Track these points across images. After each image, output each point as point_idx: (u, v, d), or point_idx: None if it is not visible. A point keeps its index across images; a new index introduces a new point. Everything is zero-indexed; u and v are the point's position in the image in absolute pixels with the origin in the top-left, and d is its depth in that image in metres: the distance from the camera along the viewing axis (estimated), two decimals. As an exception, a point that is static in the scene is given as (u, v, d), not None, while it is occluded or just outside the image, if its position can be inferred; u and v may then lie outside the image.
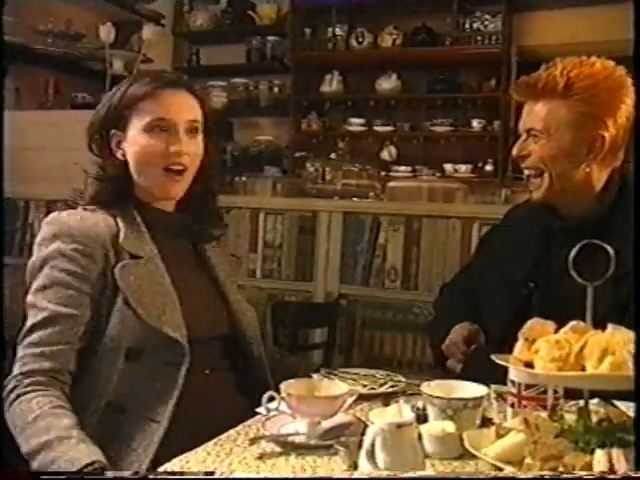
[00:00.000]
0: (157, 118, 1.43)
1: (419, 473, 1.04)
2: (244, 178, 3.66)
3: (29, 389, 1.29)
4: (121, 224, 1.44)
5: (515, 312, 1.63)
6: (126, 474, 1.21)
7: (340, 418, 1.29)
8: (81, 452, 1.19)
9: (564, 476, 0.98)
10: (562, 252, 1.61)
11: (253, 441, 1.21)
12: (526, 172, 1.65)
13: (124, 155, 1.48)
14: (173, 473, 1.11)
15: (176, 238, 1.54)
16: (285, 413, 1.27)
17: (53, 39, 3.96)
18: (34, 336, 1.33)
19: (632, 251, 1.55)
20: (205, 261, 1.59)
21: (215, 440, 1.23)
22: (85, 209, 1.45)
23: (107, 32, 3.87)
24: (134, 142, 1.46)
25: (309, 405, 1.24)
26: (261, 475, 1.12)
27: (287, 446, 1.20)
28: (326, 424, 1.26)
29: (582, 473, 0.98)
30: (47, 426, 1.24)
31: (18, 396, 1.29)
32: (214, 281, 1.58)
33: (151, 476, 1.13)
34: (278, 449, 1.20)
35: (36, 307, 1.35)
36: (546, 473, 0.99)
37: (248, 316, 1.59)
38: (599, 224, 1.60)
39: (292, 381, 1.29)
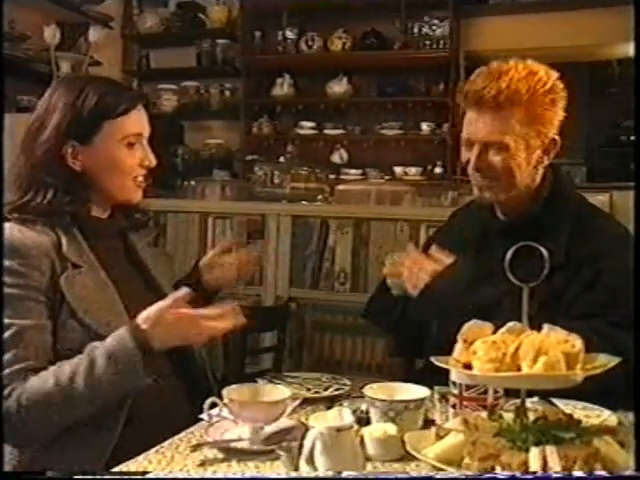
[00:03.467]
0: (136, 134, 1.48)
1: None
2: (193, 182, 3.63)
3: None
4: (60, 233, 1.43)
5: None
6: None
7: (283, 423, 1.29)
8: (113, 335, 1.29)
9: (577, 475, 0.99)
10: (501, 251, 1.66)
11: (195, 448, 1.21)
12: (482, 180, 1.64)
13: (81, 166, 1.45)
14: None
15: (110, 243, 1.54)
16: (228, 419, 1.27)
17: (-2, 41, 3.88)
18: (8, 356, 1.30)
19: (564, 244, 1.60)
20: (139, 263, 1.59)
21: (157, 448, 1.22)
22: (21, 220, 1.41)
23: (52, 33, 3.82)
24: (106, 153, 1.45)
25: (251, 410, 1.24)
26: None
27: (230, 452, 1.20)
28: (269, 429, 1.26)
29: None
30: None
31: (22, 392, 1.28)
32: (151, 283, 1.58)
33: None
34: (220, 455, 1.19)
35: None
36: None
37: None
38: (533, 221, 1.64)
39: (234, 386, 1.29)
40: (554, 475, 0.98)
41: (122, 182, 1.48)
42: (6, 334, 1.31)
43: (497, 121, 1.57)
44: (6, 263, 1.35)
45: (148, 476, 1.10)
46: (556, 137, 1.62)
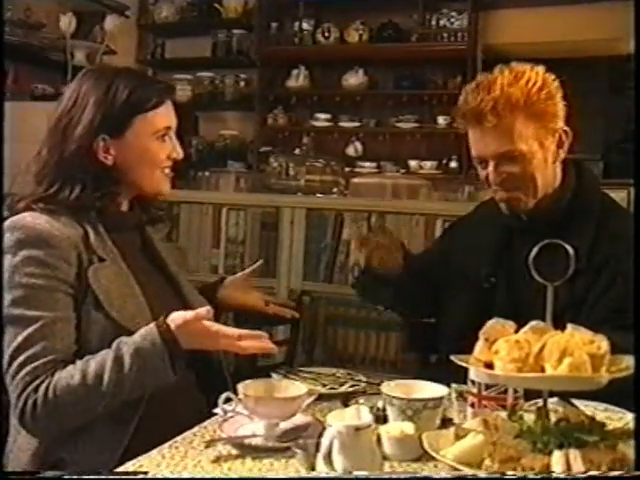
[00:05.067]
0: (166, 127, 1.48)
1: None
2: (207, 173, 3.61)
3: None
4: (86, 226, 1.42)
5: (476, 308, 1.64)
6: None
7: (299, 419, 1.27)
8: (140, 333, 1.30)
9: (576, 475, 0.97)
10: (523, 249, 1.63)
11: (209, 444, 1.19)
12: (507, 193, 1.63)
13: (110, 161, 1.44)
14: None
15: (129, 236, 1.53)
16: (242, 414, 1.25)
17: (11, 28, 3.86)
18: (36, 348, 1.28)
19: (587, 248, 1.57)
20: (156, 256, 1.59)
21: (170, 442, 1.21)
22: (47, 211, 1.39)
23: (68, 22, 3.81)
24: (139, 146, 1.45)
25: (267, 406, 1.22)
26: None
27: (244, 448, 1.18)
28: (284, 425, 1.24)
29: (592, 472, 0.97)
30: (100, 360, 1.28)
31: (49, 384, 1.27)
32: (167, 276, 1.58)
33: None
34: (235, 452, 1.18)
35: (25, 318, 1.30)
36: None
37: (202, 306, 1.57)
38: (557, 221, 1.62)
39: (250, 382, 1.27)
40: (554, 475, 0.96)
41: (152, 174, 1.48)
42: (35, 326, 1.29)
43: (503, 131, 1.55)
44: (34, 253, 1.33)
45: (148, 476, 1.08)
46: (566, 128, 1.60)
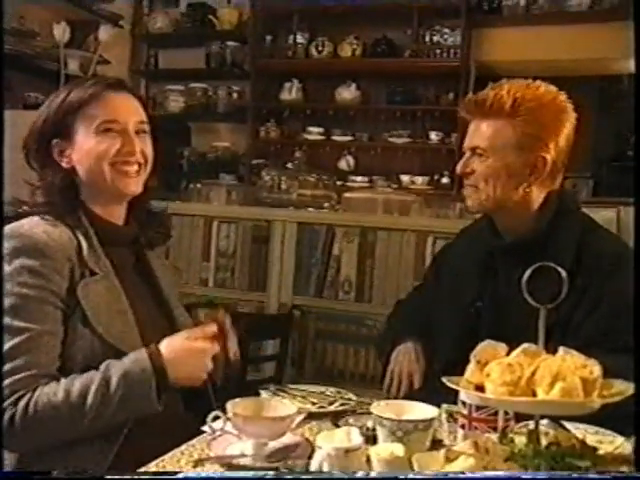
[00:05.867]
0: (107, 120, 1.42)
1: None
2: (199, 185, 3.60)
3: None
4: (80, 237, 1.40)
5: (463, 332, 1.64)
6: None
7: (288, 438, 1.25)
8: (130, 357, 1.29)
9: (574, 476, 0.96)
10: (505, 272, 1.64)
11: (197, 463, 1.17)
12: (466, 185, 1.66)
13: (69, 163, 1.43)
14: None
15: (122, 251, 1.51)
16: (231, 433, 1.23)
17: (5, 36, 3.85)
18: (19, 361, 1.26)
19: (569, 269, 1.57)
20: (148, 273, 1.56)
21: (158, 461, 1.19)
22: (44, 219, 1.38)
23: (62, 31, 3.80)
24: (84, 146, 1.42)
25: (256, 426, 1.20)
26: None
27: (232, 468, 1.17)
28: (273, 445, 1.22)
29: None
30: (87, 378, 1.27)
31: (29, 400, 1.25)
32: (158, 295, 1.55)
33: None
34: (222, 471, 1.16)
35: (12, 328, 1.28)
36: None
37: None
38: (537, 243, 1.62)
39: (239, 400, 1.26)
40: (552, 474, 0.95)
41: (100, 169, 1.41)
42: (21, 337, 1.27)
43: (483, 128, 1.60)
44: (28, 262, 1.31)
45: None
46: (546, 155, 1.58)
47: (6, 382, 1.26)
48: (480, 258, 1.73)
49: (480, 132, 1.61)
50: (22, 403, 1.25)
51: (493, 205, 1.64)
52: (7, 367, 1.26)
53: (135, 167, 1.44)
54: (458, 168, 1.65)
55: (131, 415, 1.29)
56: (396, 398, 1.69)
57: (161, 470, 1.16)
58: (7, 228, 1.36)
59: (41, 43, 4.09)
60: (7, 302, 1.29)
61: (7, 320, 1.29)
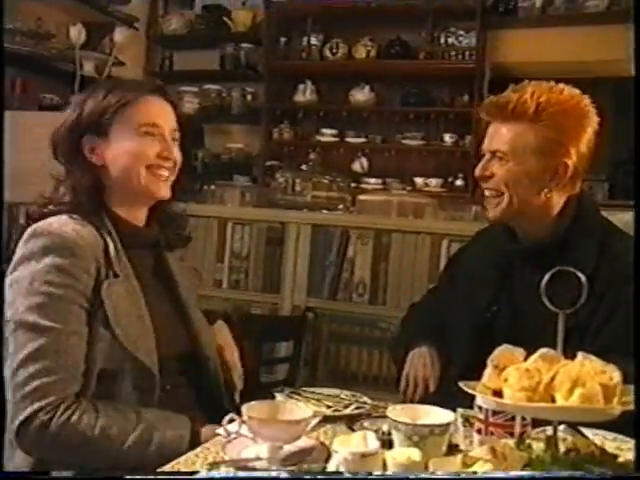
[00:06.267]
0: (149, 123, 1.44)
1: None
2: (213, 187, 3.61)
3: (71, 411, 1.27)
4: (106, 237, 1.40)
5: (479, 336, 1.63)
6: None
7: (303, 442, 1.25)
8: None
9: (576, 475, 0.95)
10: (522, 276, 1.62)
11: (212, 466, 1.17)
12: (486, 192, 1.65)
13: (99, 161, 1.44)
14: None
15: (142, 253, 1.51)
16: (246, 436, 1.23)
17: (22, 38, 3.87)
18: (47, 362, 1.27)
19: (588, 273, 1.55)
20: (168, 276, 1.56)
21: (173, 463, 1.19)
22: (72, 218, 1.39)
23: (78, 33, 3.81)
24: (122, 146, 1.43)
25: (271, 429, 1.20)
26: None
27: (247, 471, 1.16)
28: (288, 448, 1.22)
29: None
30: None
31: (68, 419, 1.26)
32: (176, 297, 1.55)
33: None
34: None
35: (39, 327, 1.28)
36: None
37: (207, 334, 1.57)
38: (556, 248, 1.60)
39: (254, 403, 1.25)
40: (553, 474, 0.94)
41: (137, 171, 1.43)
42: (48, 337, 1.27)
43: (504, 132, 1.58)
44: (58, 261, 1.31)
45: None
46: (567, 161, 1.56)
47: (34, 384, 1.25)
48: (497, 262, 1.71)
49: (501, 135, 1.59)
50: (58, 418, 1.25)
51: (515, 213, 1.62)
52: (34, 368, 1.26)
53: (168, 172, 1.46)
54: (477, 171, 1.64)
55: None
56: (412, 402, 1.68)
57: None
58: (35, 226, 1.36)
59: (57, 45, 4.11)
60: (34, 300, 1.29)
61: (33, 317, 1.28)
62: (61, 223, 1.36)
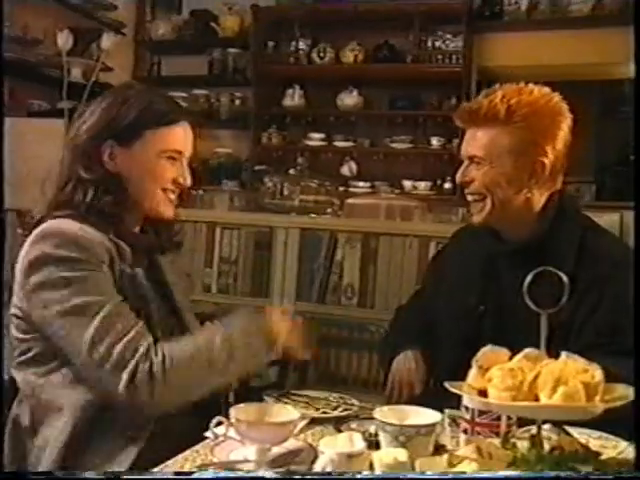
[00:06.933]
0: (175, 150, 1.47)
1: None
2: (201, 191, 3.61)
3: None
4: (114, 239, 1.42)
5: (466, 336, 1.64)
6: None
7: (291, 444, 1.26)
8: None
9: (575, 476, 0.96)
10: (508, 275, 1.64)
11: (200, 468, 1.18)
12: (469, 197, 1.67)
13: (115, 168, 1.45)
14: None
15: (137, 258, 1.51)
16: (234, 439, 1.24)
17: (9, 44, 3.86)
18: (117, 327, 1.31)
19: (569, 271, 1.57)
20: (161, 279, 1.57)
21: (161, 466, 1.20)
22: (76, 220, 1.40)
23: (65, 39, 3.80)
24: (141, 163, 1.45)
25: (259, 431, 1.21)
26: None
27: (235, 473, 1.17)
28: (276, 450, 1.23)
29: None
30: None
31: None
32: (170, 302, 1.57)
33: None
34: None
35: (90, 306, 1.31)
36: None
37: None
38: (539, 247, 1.62)
39: (242, 406, 1.26)
40: (552, 474, 0.95)
41: (153, 191, 1.47)
42: (105, 310, 1.31)
43: (479, 137, 1.60)
44: (72, 254, 1.33)
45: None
46: (544, 160, 1.59)
47: (119, 348, 1.29)
48: (481, 262, 1.73)
49: (476, 140, 1.61)
50: (155, 357, 1.30)
51: (498, 215, 1.64)
52: (110, 337, 1.29)
53: (177, 194, 1.51)
54: (457, 177, 1.66)
55: (243, 373, 1.44)
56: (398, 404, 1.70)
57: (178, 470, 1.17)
58: (42, 228, 1.38)
59: (44, 51, 4.11)
60: (67, 290, 1.31)
61: (80, 300, 1.31)
62: (69, 223, 1.38)
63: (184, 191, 1.52)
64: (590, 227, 1.68)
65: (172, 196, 1.50)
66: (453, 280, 1.78)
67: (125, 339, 1.30)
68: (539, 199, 1.64)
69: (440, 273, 1.87)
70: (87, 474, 1.16)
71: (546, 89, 1.62)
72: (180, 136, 1.48)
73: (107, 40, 4.05)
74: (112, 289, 1.36)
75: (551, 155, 1.59)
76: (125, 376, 1.28)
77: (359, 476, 1.03)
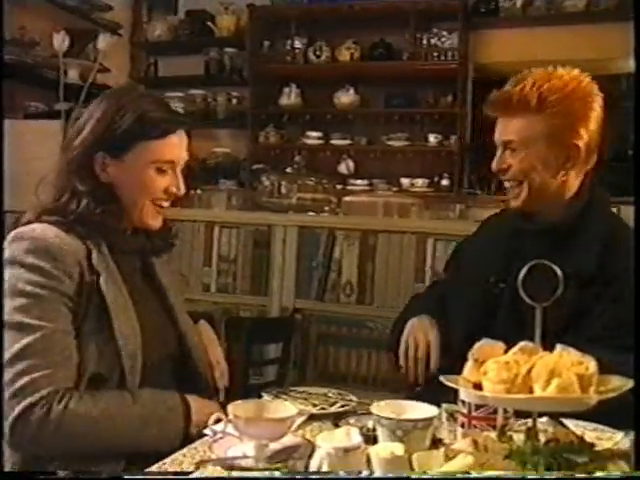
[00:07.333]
0: (167, 161, 1.45)
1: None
2: (199, 191, 3.61)
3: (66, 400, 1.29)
4: (90, 244, 1.41)
5: (483, 312, 1.64)
6: None
7: (289, 440, 1.26)
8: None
9: (577, 476, 0.97)
10: (532, 255, 1.63)
11: (199, 465, 1.18)
12: (506, 184, 1.68)
13: (107, 179, 1.44)
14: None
15: (129, 259, 1.52)
16: (232, 435, 1.24)
17: (6, 46, 3.86)
18: (35, 360, 1.28)
19: (596, 260, 1.58)
20: (154, 280, 1.57)
21: (159, 464, 1.20)
22: (54, 225, 1.39)
23: (61, 40, 3.81)
24: (133, 175, 1.44)
25: (257, 427, 1.21)
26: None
27: (234, 470, 1.17)
28: (274, 446, 1.23)
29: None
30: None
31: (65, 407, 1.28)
32: (163, 301, 1.56)
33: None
34: (224, 473, 1.17)
35: (25, 326, 1.29)
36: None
37: (195, 335, 1.58)
38: (568, 230, 1.63)
39: (240, 402, 1.26)
40: (547, 476, 0.95)
41: (142, 202, 1.45)
42: (34, 336, 1.29)
43: (513, 123, 1.61)
44: (40, 263, 1.33)
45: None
46: (578, 143, 1.59)
47: (24, 380, 1.27)
48: (507, 240, 1.73)
49: (509, 127, 1.62)
50: (60, 406, 1.27)
51: (535, 199, 1.64)
52: (22, 365, 1.27)
53: (168, 203, 1.49)
54: (494, 165, 1.66)
55: (149, 449, 1.33)
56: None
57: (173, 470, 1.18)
58: (17, 231, 1.38)
59: (41, 52, 4.12)
60: (19, 301, 1.31)
61: (19, 317, 1.30)
62: (43, 229, 1.38)
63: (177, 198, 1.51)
64: (616, 218, 1.70)
65: (163, 204, 1.48)
66: (476, 258, 1.77)
67: (34, 374, 1.27)
68: (574, 181, 1.65)
69: (462, 260, 1.86)
70: (89, 474, 1.17)
71: (575, 71, 1.62)
72: (174, 146, 1.46)
73: (103, 41, 4.06)
74: (62, 317, 1.32)
75: (585, 137, 1.59)
76: (17, 410, 1.26)
77: (370, 477, 1.04)
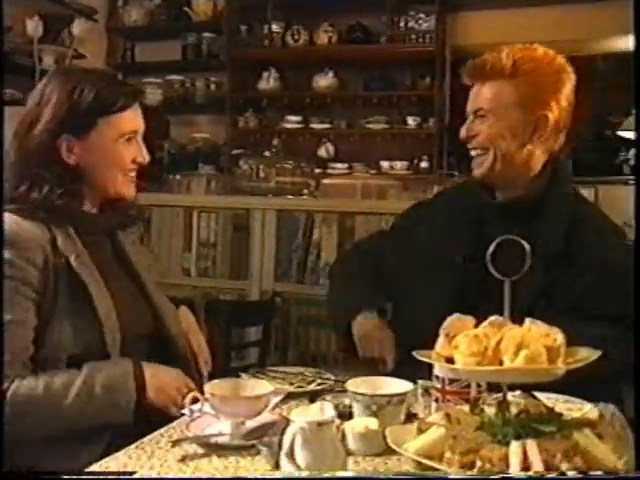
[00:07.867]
0: (132, 130, 1.47)
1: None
2: (178, 176, 3.61)
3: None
4: (54, 229, 1.41)
5: (455, 294, 1.65)
6: None
7: (265, 417, 1.28)
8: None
9: (591, 474, 0.98)
10: (494, 230, 1.65)
11: (175, 443, 1.20)
12: (472, 152, 1.69)
13: (75, 161, 1.44)
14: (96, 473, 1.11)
15: (99, 240, 1.53)
16: (209, 414, 1.26)
17: (-21, 33, 3.83)
18: None
19: (561, 235, 1.61)
20: (125, 258, 1.58)
21: (137, 443, 1.22)
22: (14, 213, 1.39)
23: (35, 26, 3.78)
24: (101, 152, 1.45)
25: (233, 405, 1.23)
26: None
27: (210, 447, 1.19)
28: (250, 424, 1.25)
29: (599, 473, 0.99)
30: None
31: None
32: (136, 278, 1.57)
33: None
34: (201, 450, 1.18)
35: None
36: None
37: (171, 312, 1.59)
38: (531, 205, 1.65)
39: (216, 381, 1.28)
40: (553, 475, 0.97)
41: (115, 177, 1.47)
42: None
43: (484, 91, 1.63)
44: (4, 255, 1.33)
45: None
46: (548, 114, 1.61)
47: None
48: (471, 218, 1.73)
49: (482, 94, 1.64)
50: (10, 390, 1.28)
51: (499, 169, 1.65)
52: None
53: (136, 172, 1.52)
54: (462, 132, 1.68)
55: (104, 421, 1.34)
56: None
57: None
58: None
59: (14, 38, 4.06)
60: None
61: None
62: (8, 220, 1.37)
63: (145, 167, 1.52)
64: (578, 194, 1.73)
65: (133, 175, 1.51)
66: (439, 234, 1.76)
67: None
68: (539, 158, 1.66)
69: (415, 227, 1.84)
70: (95, 473, 1.17)
71: (550, 50, 1.65)
72: (134, 117, 1.48)
73: (78, 26, 4.03)
74: (15, 304, 1.33)
75: (555, 110, 1.61)
76: None
77: (378, 476, 1.05)
